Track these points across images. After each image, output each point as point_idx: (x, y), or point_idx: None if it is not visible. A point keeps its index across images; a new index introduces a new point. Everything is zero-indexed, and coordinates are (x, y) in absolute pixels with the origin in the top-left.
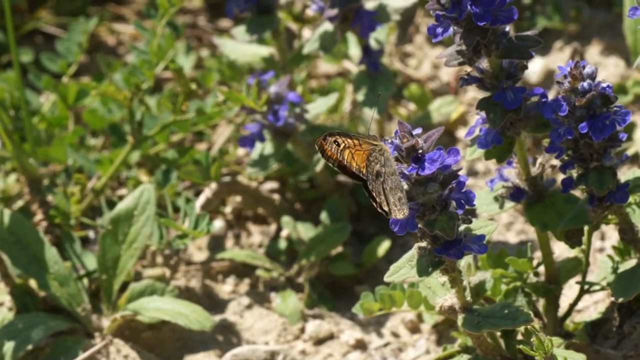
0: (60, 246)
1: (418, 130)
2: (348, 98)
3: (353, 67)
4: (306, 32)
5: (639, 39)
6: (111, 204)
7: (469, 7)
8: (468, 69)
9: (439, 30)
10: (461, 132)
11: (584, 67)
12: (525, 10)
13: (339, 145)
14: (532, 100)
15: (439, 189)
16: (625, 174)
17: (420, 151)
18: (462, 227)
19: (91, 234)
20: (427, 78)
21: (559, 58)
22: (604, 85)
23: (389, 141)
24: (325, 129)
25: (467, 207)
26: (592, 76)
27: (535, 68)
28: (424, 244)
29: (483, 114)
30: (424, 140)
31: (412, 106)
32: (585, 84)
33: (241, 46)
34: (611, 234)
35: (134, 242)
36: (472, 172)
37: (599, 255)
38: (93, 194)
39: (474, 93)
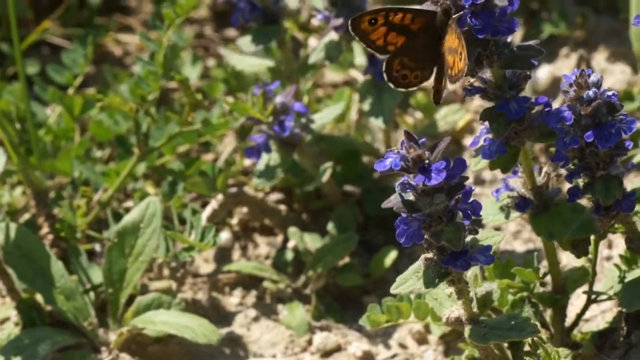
0: (67, 259)
1: (424, 140)
2: (355, 107)
3: (360, 75)
4: (312, 41)
5: None
6: (117, 217)
7: (468, 19)
8: (472, 79)
9: None
10: (468, 140)
11: (589, 76)
12: (531, 17)
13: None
14: (537, 109)
15: (445, 200)
16: (632, 181)
17: (427, 161)
18: (468, 238)
19: (97, 247)
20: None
21: (565, 65)
22: (610, 93)
23: (395, 151)
24: (331, 139)
25: (473, 217)
26: (598, 84)
27: (541, 75)
28: (430, 255)
29: (487, 124)
30: (431, 151)
31: (418, 114)
32: (590, 93)
33: (247, 56)
34: (619, 242)
35: (140, 255)
36: (479, 181)
37: (607, 264)
38: (99, 206)
39: (480, 101)
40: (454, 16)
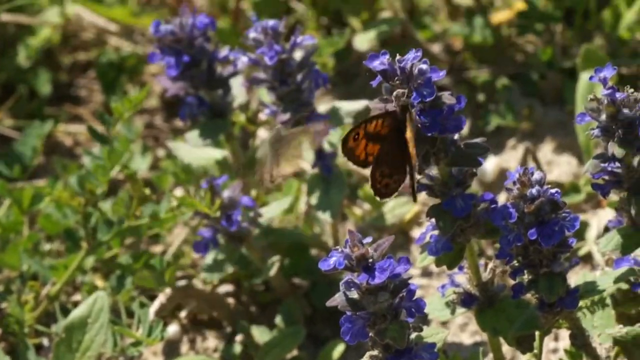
0: (15, 354)
1: (369, 239)
2: (303, 198)
3: (308, 166)
4: (262, 132)
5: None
6: (66, 310)
7: (417, 117)
8: (419, 176)
9: None
10: (416, 232)
11: (532, 173)
12: (479, 109)
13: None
14: (482, 206)
15: (389, 298)
16: (578, 274)
17: (371, 260)
18: (413, 335)
19: (45, 341)
20: None
21: (512, 156)
22: (553, 191)
23: (339, 250)
24: (279, 232)
25: (417, 314)
26: (541, 182)
27: (489, 167)
28: (375, 352)
29: (434, 220)
30: (374, 249)
31: (366, 206)
32: (534, 191)
33: (195, 149)
34: (565, 335)
35: (87, 350)
36: (427, 273)
37: (553, 357)
38: (48, 300)
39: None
40: (410, 112)
